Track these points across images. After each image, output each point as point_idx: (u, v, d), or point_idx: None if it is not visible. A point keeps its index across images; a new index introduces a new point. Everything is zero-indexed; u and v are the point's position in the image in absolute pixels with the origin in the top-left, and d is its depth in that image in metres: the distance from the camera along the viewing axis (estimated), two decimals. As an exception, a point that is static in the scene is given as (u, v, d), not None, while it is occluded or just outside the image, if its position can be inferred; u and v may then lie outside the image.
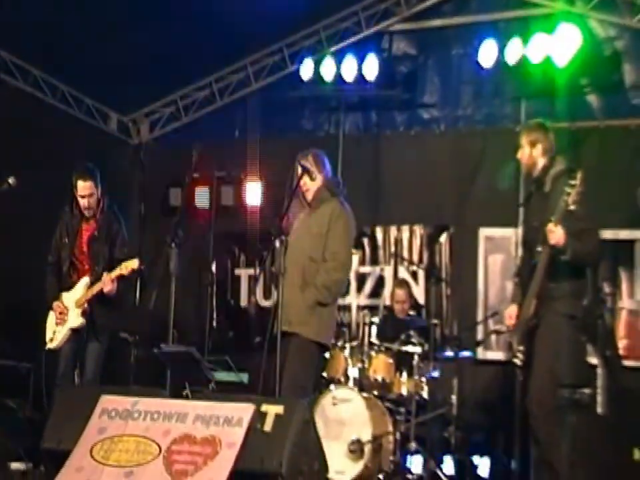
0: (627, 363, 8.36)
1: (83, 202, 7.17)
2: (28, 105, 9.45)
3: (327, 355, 7.81)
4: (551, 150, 6.03)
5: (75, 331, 7.12)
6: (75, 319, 7.11)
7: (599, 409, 7.17)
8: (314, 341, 6.09)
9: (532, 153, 6.00)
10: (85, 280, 7.15)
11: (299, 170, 6.22)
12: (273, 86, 10.50)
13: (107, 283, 7.00)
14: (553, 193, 5.82)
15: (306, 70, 9.84)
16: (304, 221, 6.28)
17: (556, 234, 5.58)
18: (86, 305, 7.10)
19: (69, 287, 7.21)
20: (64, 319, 7.12)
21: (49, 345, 7.17)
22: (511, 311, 6.02)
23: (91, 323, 7.13)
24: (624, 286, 8.78)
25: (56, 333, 7.16)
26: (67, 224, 7.29)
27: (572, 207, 5.56)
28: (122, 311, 7.50)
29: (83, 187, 7.14)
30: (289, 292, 5.99)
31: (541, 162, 6.01)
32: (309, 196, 6.28)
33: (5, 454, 6.62)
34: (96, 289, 7.05)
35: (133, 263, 6.97)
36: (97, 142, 10.26)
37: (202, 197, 10.26)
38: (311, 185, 6.26)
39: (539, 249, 5.74)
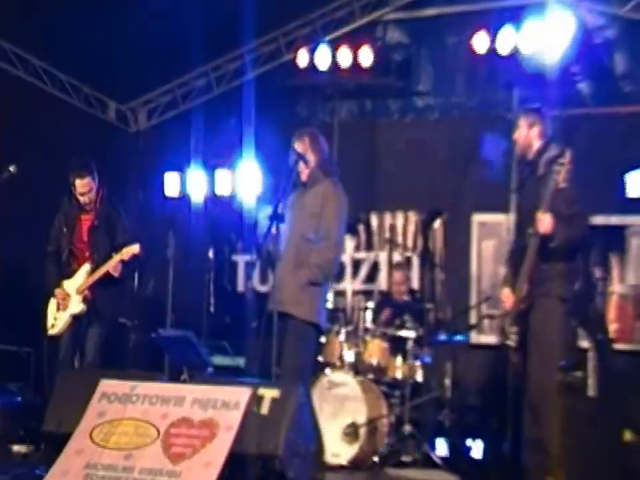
0: (617, 346, 8.38)
1: (82, 198, 7.16)
2: (28, 94, 9.43)
3: (323, 339, 7.83)
4: (546, 134, 6.03)
5: (75, 317, 7.11)
6: (76, 306, 7.10)
7: (590, 392, 7.17)
8: (308, 321, 6.02)
9: (529, 135, 5.98)
10: (86, 267, 7.14)
11: (295, 155, 6.20)
12: (269, 74, 10.46)
13: (112, 267, 7.00)
14: (546, 177, 5.81)
15: (301, 59, 9.82)
16: (296, 200, 6.18)
17: (544, 222, 5.59)
18: (87, 292, 7.09)
19: (69, 275, 7.20)
20: (66, 305, 7.12)
21: (51, 332, 7.17)
22: (507, 294, 6.00)
23: (92, 309, 7.13)
24: (615, 271, 8.79)
25: (57, 319, 7.15)
26: (66, 214, 7.27)
27: (562, 185, 5.56)
28: (122, 297, 7.48)
29: (81, 184, 7.10)
30: (283, 272, 5.95)
31: (536, 145, 6.01)
32: (304, 177, 6.19)
33: (6, 436, 6.64)
34: (97, 275, 7.05)
35: (134, 248, 6.95)
36: (96, 130, 10.28)
37: (199, 183, 10.23)
38: (304, 168, 6.17)
39: (530, 231, 5.74)
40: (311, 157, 6.17)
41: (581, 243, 6.06)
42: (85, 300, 7.09)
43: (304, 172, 6.17)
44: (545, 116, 6.09)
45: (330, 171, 6.27)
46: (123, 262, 6.99)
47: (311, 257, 6.01)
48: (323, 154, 6.26)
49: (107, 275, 7.03)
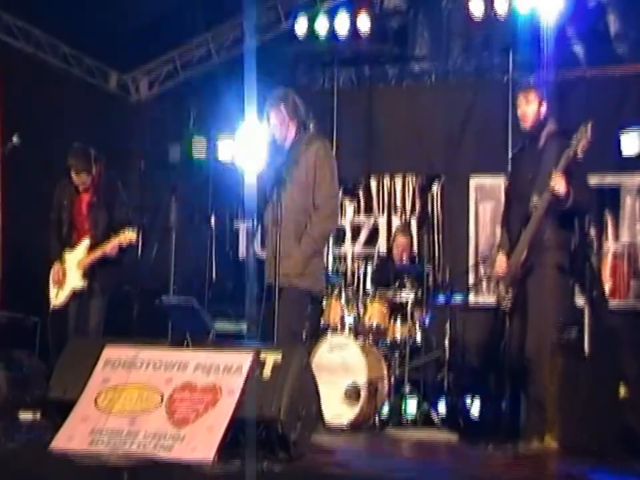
0: (612, 303, 8.34)
1: (78, 186, 7.16)
2: (30, 66, 9.36)
3: (324, 303, 7.81)
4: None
5: (77, 291, 7.09)
6: (77, 280, 7.09)
7: (586, 349, 7.14)
8: (310, 291, 6.02)
9: (539, 111, 5.93)
10: (86, 242, 7.11)
11: (281, 118, 5.98)
12: (268, 43, 10.33)
13: (109, 249, 6.97)
14: (546, 150, 5.83)
15: (300, 26, 9.75)
16: (286, 166, 5.98)
17: (561, 184, 5.55)
18: (87, 267, 7.06)
19: (71, 246, 7.18)
20: (63, 281, 7.10)
21: (54, 302, 7.16)
22: (501, 260, 5.97)
23: (94, 282, 7.10)
24: (609, 229, 8.78)
25: (59, 291, 7.13)
26: (66, 187, 7.24)
27: (580, 157, 5.53)
28: (122, 268, 7.44)
29: (75, 177, 7.12)
30: (285, 244, 5.81)
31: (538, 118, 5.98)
32: (287, 143, 6.04)
33: (13, 403, 6.62)
34: (96, 255, 7.02)
35: (131, 235, 6.89)
36: (98, 100, 10.21)
37: (200, 151, 10.17)
38: (286, 131, 6.01)
39: (535, 199, 5.68)
40: (292, 120, 6.01)
41: (587, 210, 6.28)
42: (85, 275, 7.06)
43: (288, 137, 6.02)
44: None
45: (308, 122, 6.11)
46: (120, 245, 6.97)
47: (314, 228, 5.93)
48: (300, 113, 6.08)
49: (105, 256, 7.01)
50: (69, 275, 7.09)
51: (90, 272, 7.06)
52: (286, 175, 5.96)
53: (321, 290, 6.19)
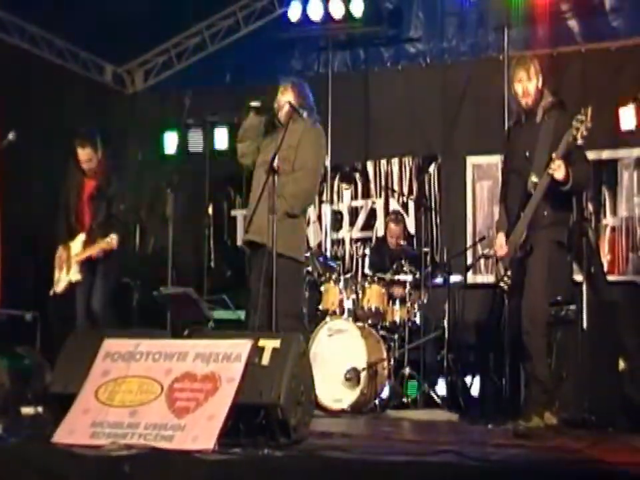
0: (610, 278, 8.35)
1: (84, 166, 7.21)
2: (26, 62, 9.41)
3: (322, 288, 7.84)
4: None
5: (75, 283, 7.17)
6: (75, 274, 7.15)
7: (585, 324, 7.18)
8: (286, 255, 5.84)
9: (538, 84, 5.90)
10: (82, 237, 7.17)
11: (286, 107, 6.00)
12: (262, 29, 10.36)
13: (95, 252, 7.03)
14: (544, 124, 5.79)
15: (294, 12, 9.73)
16: (275, 139, 5.99)
17: (561, 170, 5.54)
18: (83, 261, 7.13)
19: (74, 236, 7.25)
20: (66, 266, 7.16)
21: (55, 288, 7.22)
22: (501, 240, 5.96)
23: (97, 266, 7.16)
24: (607, 204, 8.79)
25: (61, 276, 7.21)
26: (73, 175, 7.31)
27: (579, 142, 5.53)
28: (123, 257, 7.51)
29: (82, 153, 7.16)
30: (261, 205, 5.76)
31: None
32: (283, 117, 6.03)
33: (15, 399, 6.67)
34: (87, 252, 7.09)
35: (113, 243, 6.92)
36: (94, 93, 10.25)
37: (196, 141, 10.20)
38: (285, 109, 6.02)
39: (534, 179, 5.69)
40: (297, 104, 6.03)
41: (586, 186, 6.38)
42: (81, 269, 7.13)
43: (285, 113, 6.02)
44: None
45: (310, 115, 6.16)
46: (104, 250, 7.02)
47: (287, 187, 5.84)
48: (308, 102, 6.15)
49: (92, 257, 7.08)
50: (70, 264, 7.17)
51: (87, 265, 7.12)
52: (272, 142, 5.97)
53: (299, 256, 6.08)
